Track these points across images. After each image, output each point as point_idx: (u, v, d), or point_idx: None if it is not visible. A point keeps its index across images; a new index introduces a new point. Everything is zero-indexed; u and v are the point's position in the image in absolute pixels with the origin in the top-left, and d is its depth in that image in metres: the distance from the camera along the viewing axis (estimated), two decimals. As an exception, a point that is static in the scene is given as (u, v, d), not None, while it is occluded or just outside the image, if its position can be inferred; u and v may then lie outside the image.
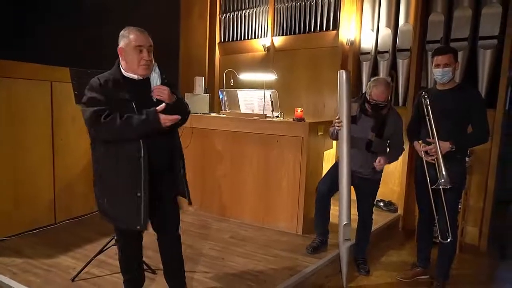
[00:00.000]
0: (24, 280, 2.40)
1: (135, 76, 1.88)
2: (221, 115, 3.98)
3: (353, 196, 2.70)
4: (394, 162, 2.90)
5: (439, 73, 2.46)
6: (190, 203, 2.13)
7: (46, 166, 3.30)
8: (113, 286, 2.26)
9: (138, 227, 1.88)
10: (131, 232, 2.00)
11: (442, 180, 2.38)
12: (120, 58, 1.89)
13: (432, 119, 2.44)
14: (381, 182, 2.88)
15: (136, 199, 1.84)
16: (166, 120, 1.81)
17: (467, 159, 3.15)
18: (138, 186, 1.84)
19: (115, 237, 2.14)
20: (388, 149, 2.80)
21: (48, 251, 2.83)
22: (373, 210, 2.94)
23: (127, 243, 2.09)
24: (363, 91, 3.34)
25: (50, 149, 3.32)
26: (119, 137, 1.81)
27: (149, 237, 2.18)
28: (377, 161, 2.67)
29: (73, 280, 2.41)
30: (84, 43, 3.65)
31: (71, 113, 3.38)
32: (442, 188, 2.41)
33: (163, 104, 1.82)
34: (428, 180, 2.51)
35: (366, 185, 2.80)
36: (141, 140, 1.83)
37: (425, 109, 2.49)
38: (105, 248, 2.55)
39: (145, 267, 2.53)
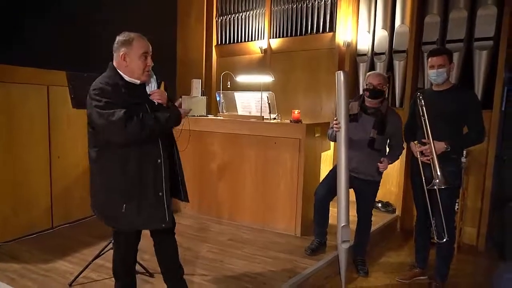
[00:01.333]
0: (22, 286, 2.38)
1: (137, 81, 1.91)
2: (219, 117, 3.98)
3: (352, 198, 2.70)
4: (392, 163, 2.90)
5: (434, 74, 2.47)
6: (187, 200, 2.17)
7: (43, 170, 3.29)
8: (111, 290, 2.24)
9: (164, 225, 1.94)
10: (131, 237, 2.03)
11: (437, 181, 2.39)
12: (120, 64, 1.87)
13: (427, 120, 2.45)
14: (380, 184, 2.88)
15: (159, 198, 1.91)
16: (185, 112, 2.01)
17: (464, 159, 3.17)
18: (160, 186, 1.90)
19: (112, 241, 2.13)
20: (388, 149, 2.81)
21: (46, 256, 2.81)
22: (372, 211, 2.94)
23: (125, 248, 2.08)
24: (360, 93, 3.35)
25: (47, 153, 3.31)
26: (150, 135, 1.84)
27: (146, 241, 2.17)
28: (381, 163, 2.69)
29: (70, 284, 2.40)
30: (81, 47, 3.64)
31: (68, 117, 3.37)
32: (437, 189, 2.42)
33: (180, 99, 2.04)
34: (423, 181, 2.52)
35: (366, 187, 2.80)
36: (159, 142, 1.90)
37: (420, 110, 2.50)
38: (103, 252, 2.53)
39: (142, 270, 2.53)
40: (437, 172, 2.39)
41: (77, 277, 2.44)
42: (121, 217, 1.90)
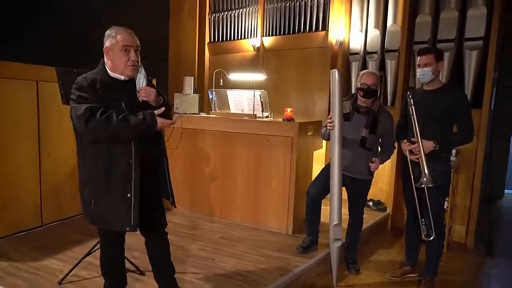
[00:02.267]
0: (10, 284, 2.35)
1: (122, 77, 1.86)
2: (211, 115, 3.96)
3: (344, 196, 2.71)
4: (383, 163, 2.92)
5: (420, 73, 2.51)
6: (174, 206, 2.13)
7: (32, 167, 3.24)
8: (101, 289, 2.22)
9: (128, 229, 1.85)
10: (114, 234, 1.98)
11: (425, 179, 2.42)
12: (106, 58, 1.86)
13: (416, 119, 2.48)
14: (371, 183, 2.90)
15: (126, 200, 1.82)
16: (164, 123, 1.83)
17: (454, 158, 3.21)
18: (129, 187, 1.82)
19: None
20: (379, 148, 2.83)
21: (35, 254, 2.77)
22: (364, 210, 2.96)
23: (110, 246, 2.06)
24: (352, 92, 3.36)
25: (37, 149, 3.26)
26: (115, 135, 1.77)
27: (137, 238, 2.16)
28: (372, 163, 2.70)
29: (60, 283, 2.37)
30: (71, 42, 3.60)
31: (57, 113, 3.32)
32: (426, 187, 2.44)
33: (163, 108, 1.83)
34: (412, 179, 2.55)
35: (358, 186, 2.82)
36: (132, 142, 1.81)
37: (410, 109, 2.52)
38: (93, 250, 2.51)
39: (133, 268, 2.51)
40: (425, 170, 2.42)
41: (66, 275, 2.42)
42: (91, 213, 1.90)
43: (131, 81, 1.89)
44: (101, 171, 1.83)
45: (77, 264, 2.47)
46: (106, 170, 1.83)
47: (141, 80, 1.89)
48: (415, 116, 2.48)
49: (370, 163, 2.71)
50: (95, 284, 2.38)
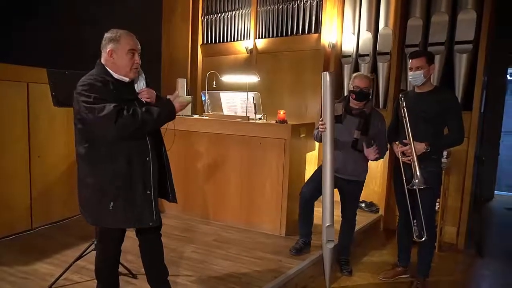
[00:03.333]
0: (-1, 289, 2.32)
1: (126, 79, 1.90)
2: (204, 117, 3.95)
3: (337, 198, 2.72)
4: (375, 163, 2.94)
5: (411, 76, 2.53)
6: (175, 201, 2.17)
7: (22, 169, 3.19)
8: (93, 292, 2.20)
9: (151, 223, 1.92)
10: (116, 234, 2.00)
11: (416, 181, 2.44)
12: (107, 61, 1.86)
13: (408, 121, 2.50)
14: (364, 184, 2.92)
15: (146, 196, 1.89)
16: (182, 105, 1.94)
17: (445, 160, 3.24)
18: (148, 184, 1.89)
19: (95, 242, 2.09)
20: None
21: (25, 258, 2.73)
22: (356, 211, 2.98)
23: (109, 246, 2.05)
24: (345, 94, 3.38)
25: (27, 152, 3.21)
26: (141, 127, 1.81)
27: (130, 241, 2.14)
28: (371, 149, 2.64)
29: (50, 287, 2.34)
30: (62, 44, 3.56)
31: (48, 115, 3.28)
32: (417, 188, 2.47)
33: (176, 92, 1.96)
34: (404, 180, 2.57)
35: (350, 187, 2.83)
36: (148, 139, 1.89)
37: (402, 111, 2.55)
38: (85, 253, 2.48)
39: (125, 271, 2.49)
40: (416, 172, 2.44)
41: (57, 279, 2.38)
42: (108, 215, 1.87)
43: (131, 82, 1.95)
44: (120, 171, 1.85)
45: (68, 268, 2.43)
46: (125, 170, 1.86)
47: (141, 82, 1.94)
48: (407, 118, 2.51)
49: (369, 149, 2.65)
50: (87, 287, 2.35)
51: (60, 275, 2.40)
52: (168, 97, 1.95)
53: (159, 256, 2.14)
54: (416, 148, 2.47)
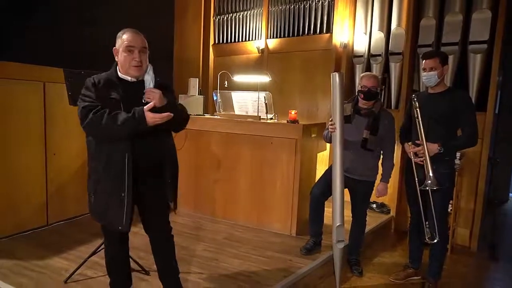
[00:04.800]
0: (16, 282, 2.38)
1: (129, 78, 1.89)
2: (215, 116, 3.98)
3: (347, 198, 2.72)
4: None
5: (425, 77, 2.51)
6: (174, 208, 2.12)
7: (38, 167, 3.27)
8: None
9: (120, 228, 1.88)
10: (114, 232, 2.00)
11: (429, 182, 2.42)
12: (117, 60, 1.90)
13: (421, 121, 2.48)
14: (375, 184, 2.91)
15: (120, 199, 1.85)
16: (155, 118, 1.76)
17: (458, 161, 3.21)
18: (122, 187, 1.84)
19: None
20: (381, 151, 2.84)
21: (41, 253, 2.80)
22: (367, 212, 2.97)
23: (111, 243, 2.09)
24: (356, 94, 3.37)
25: (43, 150, 3.29)
26: (106, 133, 1.81)
27: (141, 238, 2.17)
28: (378, 190, 2.80)
29: (65, 281, 2.40)
30: (78, 44, 3.64)
31: (64, 114, 3.36)
32: (430, 190, 2.45)
33: (152, 103, 1.77)
34: (417, 181, 2.55)
35: (360, 187, 2.83)
36: (130, 141, 1.82)
37: (415, 112, 2.53)
38: (99, 249, 2.53)
39: (138, 268, 2.53)
40: (429, 173, 2.42)
41: (72, 274, 2.44)
42: (91, 207, 1.96)
43: (140, 83, 1.90)
44: (100, 169, 1.88)
45: (82, 264, 2.49)
46: (103, 169, 1.87)
47: (148, 82, 1.90)
48: (420, 119, 2.49)
49: (377, 189, 2.81)
50: (100, 283, 2.40)
51: (75, 271, 2.46)
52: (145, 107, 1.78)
53: (169, 253, 2.16)
54: (429, 149, 2.45)
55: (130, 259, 2.26)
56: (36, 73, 3.18)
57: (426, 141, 2.46)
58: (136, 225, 1.95)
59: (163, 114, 1.77)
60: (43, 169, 3.31)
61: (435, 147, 2.45)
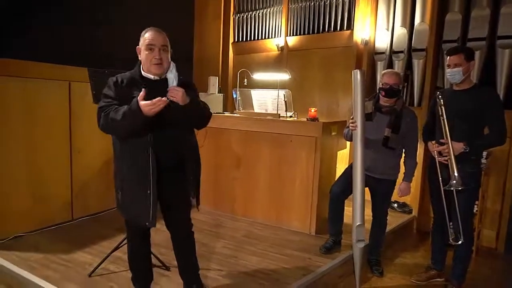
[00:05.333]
0: (43, 275, 2.46)
1: (152, 76, 1.91)
2: (235, 114, 4.00)
3: (368, 197, 2.68)
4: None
5: (449, 73, 2.44)
6: (197, 205, 2.18)
7: (64, 164, 3.38)
8: (128, 282, 2.29)
9: (147, 224, 1.93)
10: (138, 228, 2.05)
11: (454, 182, 2.35)
12: (139, 57, 1.93)
13: (446, 120, 2.41)
14: (396, 183, 2.86)
15: (146, 196, 1.89)
16: (149, 106, 1.72)
17: (484, 160, 3.10)
18: (147, 184, 1.88)
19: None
20: (403, 149, 2.78)
21: (66, 247, 2.89)
22: (388, 211, 2.92)
23: (134, 238, 2.14)
24: (377, 91, 3.31)
25: (68, 147, 3.39)
26: (116, 129, 1.87)
27: (163, 235, 2.21)
28: (401, 190, 2.74)
29: (89, 275, 2.47)
30: (101, 44, 3.73)
31: (88, 112, 3.44)
32: (455, 190, 2.38)
33: (143, 91, 1.74)
34: (441, 181, 2.48)
35: (381, 186, 2.78)
36: (149, 139, 1.86)
37: (439, 110, 2.46)
38: (121, 245, 2.59)
39: (158, 263, 2.58)
40: (454, 173, 2.35)
41: (96, 268, 2.51)
42: (118, 203, 2.01)
43: (163, 81, 1.92)
44: (125, 168, 1.94)
45: (105, 258, 2.56)
46: (128, 167, 1.92)
47: (171, 80, 1.92)
48: (445, 117, 2.42)
49: (399, 188, 2.74)
50: (123, 277, 2.46)
51: (99, 265, 2.53)
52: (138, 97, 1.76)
53: (190, 250, 2.19)
54: (454, 148, 2.38)
55: (151, 255, 2.31)
56: (62, 72, 3.28)
57: (451, 139, 2.39)
58: (157, 221, 1.98)
59: (153, 100, 1.72)
60: (68, 166, 3.41)
61: (460, 146, 2.38)
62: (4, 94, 2.92)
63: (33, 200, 3.16)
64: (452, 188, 2.37)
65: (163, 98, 1.74)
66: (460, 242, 2.45)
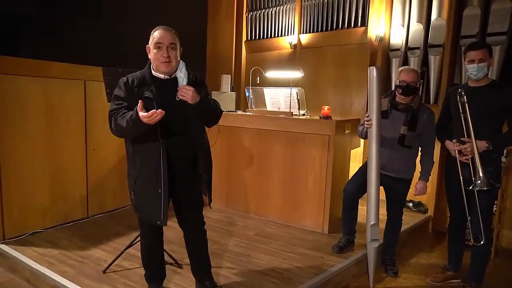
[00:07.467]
0: (60, 270, 2.51)
1: (162, 75, 1.92)
2: (248, 113, 3.99)
3: (382, 196, 2.64)
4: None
5: (474, 69, 2.36)
6: (209, 203, 2.20)
7: (79, 162, 3.44)
8: (141, 279, 2.32)
9: (159, 222, 1.94)
10: (151, 225, 2.06)
11: (479, 182, 2.28)
12: (149, 56, 1.94)
13: (468, 117, 2.34)
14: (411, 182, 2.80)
15: (158, 195, 1.90)
16: (147, 118, 1.71)
17: (504, 159, 3.01)
18: (159, 183, 1.89)
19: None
20: (420, 148, 2.72)
21: (82, 243, 2.95)
22: (403, 210, 2.87)
23: (147, 236, 2.16)
24: (393, 88, 3.26)
25: (83, 145, 3.45)
26: (123, 134, 1.90)
27: (175, 232, 2.22)
28: (417, 189, 2.68)
29: (104, 271, 2.50)
30: (115, 42, 3.78)
31: (103, 111, 3.49)
32: (479, 189, 2.31)
33: (140, 102, 1.74)
34: (462, 181, 2.42)
35: (396, 185, 2.73)
36: (160, 138, 1.87)
37: (460, 107, 2.39)
38: (135, 242, 2.62)
39: (171, 261, 2.59)
40: (479, 172, 2.28)
41: (110, 265, 2.54)
42: (132, 201, 2.03)
43: (173, 80, 1.92)
44: (136, 168, 1.95)
45: (119, 255, 2.59)
46: (139, 168, 1.94)
47: (181, 79, 1.92)
48: (467, 114, 2.35)
49: (416, 186, 2.69)
50: (136, 274, 2.48)
51: (113, 261, 2.56)
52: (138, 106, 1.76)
53: (202, 248, 2.20)
54: (478, 146, 2.31)
55: (164, 252, 2.32)
56: (77, 71, 3.33)
57: (474, 137, 2.32)
58: (170, 219, 1.99)
59: (149, 113, 1.71)
60: (83, 164, 3.47)
61: (483, 144, 2.31)
62: (26, 93, 2.99)
63: (51, 197, 3.23)
64: (477, 188, 2.31)
65: (159, 110, 1.72)
66: (482, 243, 2.39)
